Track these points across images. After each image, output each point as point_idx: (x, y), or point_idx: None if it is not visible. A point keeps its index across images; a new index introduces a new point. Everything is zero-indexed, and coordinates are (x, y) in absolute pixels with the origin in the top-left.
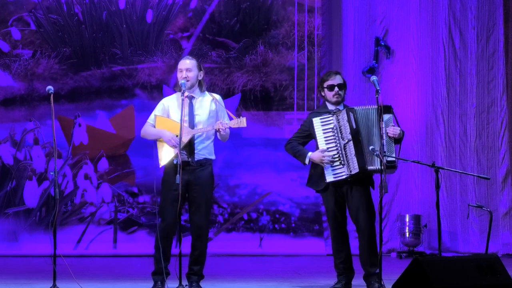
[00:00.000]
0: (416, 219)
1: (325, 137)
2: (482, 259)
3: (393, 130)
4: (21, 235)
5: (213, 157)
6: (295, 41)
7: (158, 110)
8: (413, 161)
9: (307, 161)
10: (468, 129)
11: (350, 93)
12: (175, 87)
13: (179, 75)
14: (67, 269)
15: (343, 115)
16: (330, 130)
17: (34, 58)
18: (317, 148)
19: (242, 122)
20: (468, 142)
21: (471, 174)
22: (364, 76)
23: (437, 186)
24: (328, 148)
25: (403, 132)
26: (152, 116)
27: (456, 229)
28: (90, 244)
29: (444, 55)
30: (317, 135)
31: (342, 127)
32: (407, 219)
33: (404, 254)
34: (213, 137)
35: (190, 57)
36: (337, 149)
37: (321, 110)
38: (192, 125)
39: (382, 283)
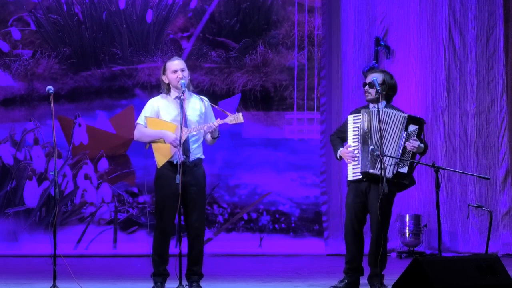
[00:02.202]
0: (416, 219)
1: (353, 135)
2: (482, 259)
3: (412, 144)
4: (21, 235)
5: (203, 156)
6: (295, 41)
7: (147, 111)
8: (413, 161)
9: (338, 156)
10: (468, 129)
11: (350, 93)
12: (162, 90)
13: (172, 76)
14: (67, 269)
15: (363, 116)
16: (357, 129)
17: (34, 58)
18: None
19: (238, 118)
20: (468, 142)
21: (471, 174)
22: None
23: (437, 186)
24: (353, 146)
25: (425, 146)
26: (142, 118)
27: (456, 229)
28: (90, 244)
29: (444, 55)
30: (348, 132)
31: (363, 128)
32: (407, 219)
33: (404, 254)
34: (202, 137)
35: (179, 58)
36: (357, 148)
37: (362, 108)
38: (184, 125)
39: (384, 283)
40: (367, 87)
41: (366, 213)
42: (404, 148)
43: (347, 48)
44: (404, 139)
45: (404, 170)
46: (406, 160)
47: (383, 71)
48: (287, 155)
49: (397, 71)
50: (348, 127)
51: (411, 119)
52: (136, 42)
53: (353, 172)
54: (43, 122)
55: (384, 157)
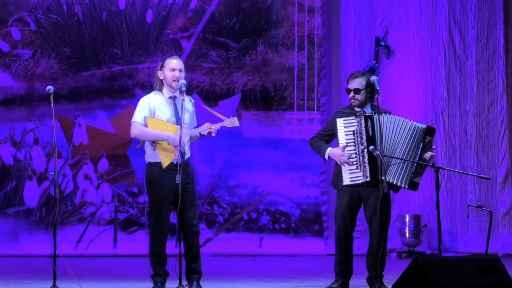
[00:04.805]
0: (416, 219)
1: (346, 139)
2: (482, 259)
3: (431, 156)
4: (21, 235)
5: (189, 155)
6: (295, 41)
7: (145, 111)
8: (413, 161)
9: (326, 157)
10: (468, 129)
11: None
12: (155, 85)
13: (169, 73)
14: (67, 269)
15: (362, 121)
16: (352, 133)
17: (34, 58)
18: None
19: (235, 121)
20: (468, 142)
21: (471, 174)
22: None
23: (437, 186)
24: (348, 150)
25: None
26: (140, 116)
27: (456, 229)
28: (90, 244)
29: (444, 55)
30: (339, 137)
31: (362, 132)
32: (407, 219)
33: (404, 254)
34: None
35: (179, 58)
36: (356, 152)
37: (346, 110)
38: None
39: (384, 283)
40: (352, 93)
41: (357, 215)
42: (423, 159)
43: (347, 48)
44: (420, 150)
45: (418, 180)
46: (407, 161)
47: (364, 73)
48: (287, 155)
49: (397, 71)
50: (339, 131)
51: (429, 131)
52: (136, 42)
53: (351, 177)
54: (43, 122)
55: (377, 155)
